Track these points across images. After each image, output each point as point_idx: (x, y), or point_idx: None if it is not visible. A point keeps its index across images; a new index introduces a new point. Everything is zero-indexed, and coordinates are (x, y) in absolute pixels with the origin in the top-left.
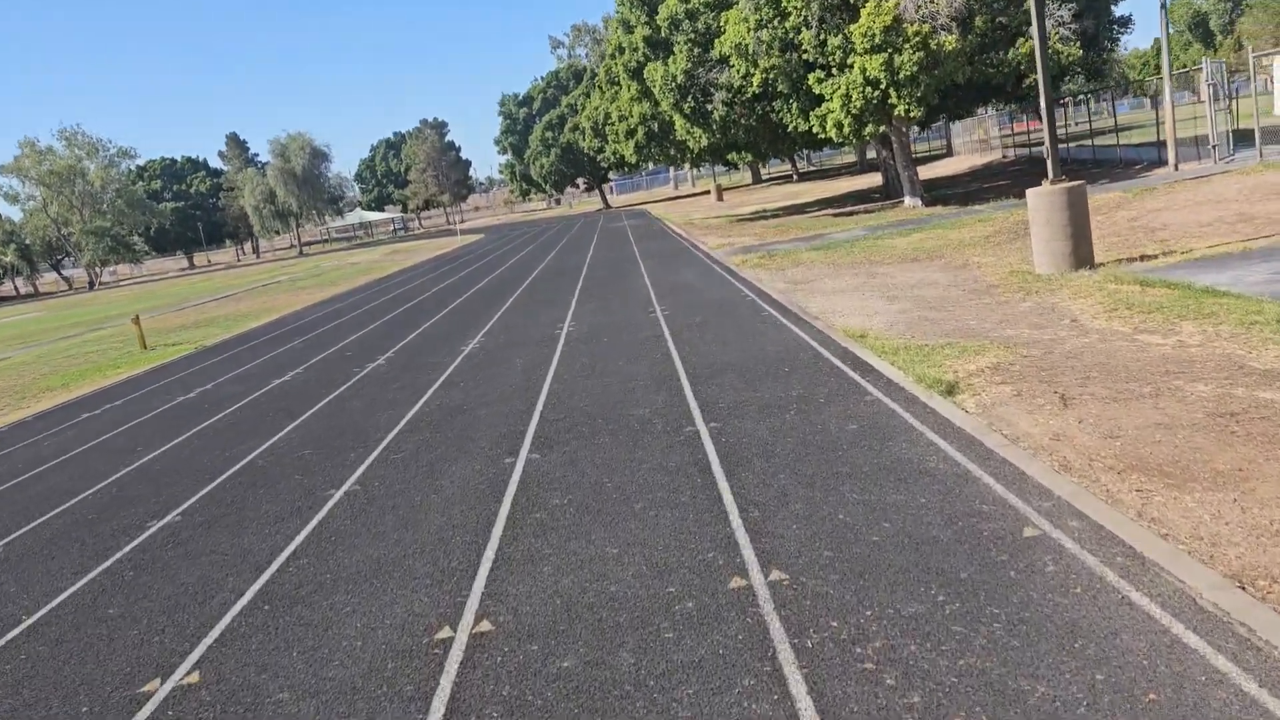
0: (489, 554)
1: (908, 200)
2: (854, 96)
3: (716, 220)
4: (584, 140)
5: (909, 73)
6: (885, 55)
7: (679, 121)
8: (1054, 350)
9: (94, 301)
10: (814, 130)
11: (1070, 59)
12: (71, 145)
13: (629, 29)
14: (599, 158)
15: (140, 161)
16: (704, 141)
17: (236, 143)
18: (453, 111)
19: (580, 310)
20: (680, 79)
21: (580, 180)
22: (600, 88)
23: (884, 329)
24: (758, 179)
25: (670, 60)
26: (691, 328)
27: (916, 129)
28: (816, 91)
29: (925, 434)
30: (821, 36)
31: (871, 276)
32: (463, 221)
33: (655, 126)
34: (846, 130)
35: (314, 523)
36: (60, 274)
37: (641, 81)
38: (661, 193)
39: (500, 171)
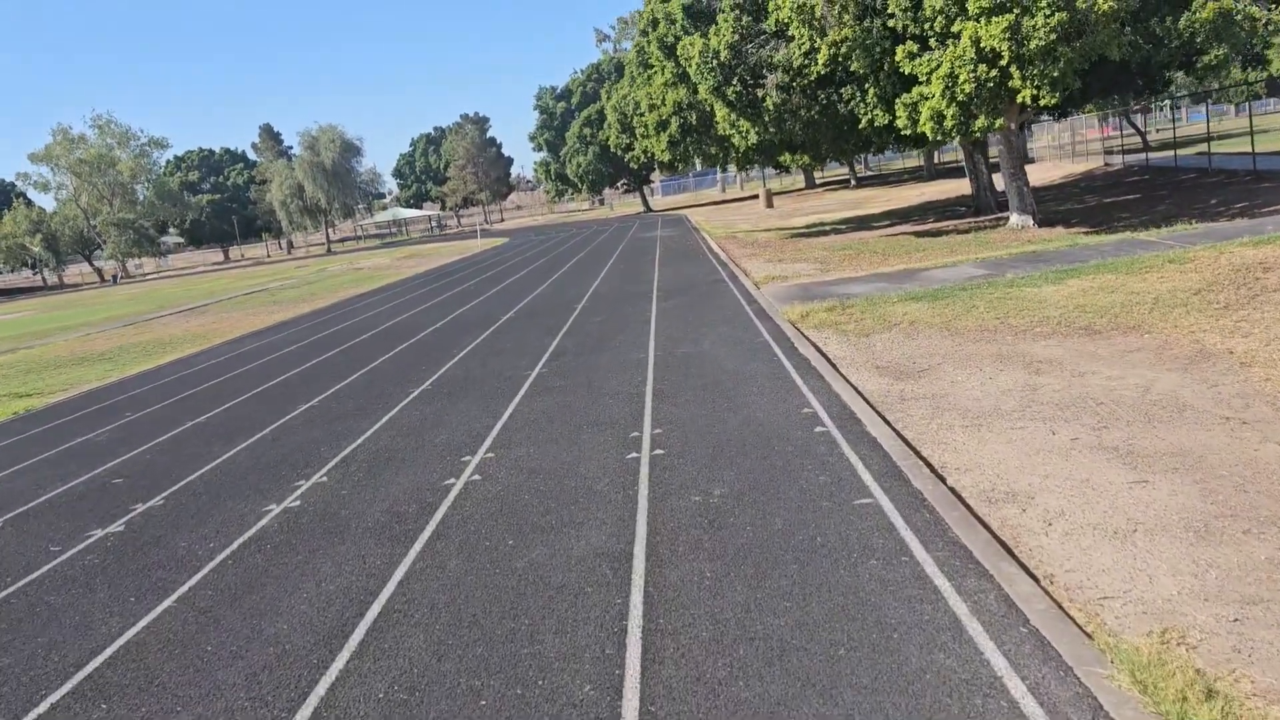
0: None
1: (1015, 218)
2: (961, 77)
3: (765, 234)
4: (610, 135)
5: (1043, 43)
6: (1011, 17)
7: (720, 111)
8: None
9: (95, 300)
10: (897, 125)
11: (1276, 27)
12: (103, 133)
13: None
14: (626, 157)
15: (178, 152)
16: (752, 137)
17: (270, 134)
18: (495, 107)
19: (515, 422)
20: (724, 55)
21: (621, 181)
22: (630, 72)
23: (1229, 645)
24: (811, 184)
25: (712, 32)
26: (697, 533)
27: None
28: (906, 71)
29: None
30: None
31: (1034, 370)
32: (501, 220)
33: (693, 118)
34: (949, 124)
35: None
36: (93, 265)
37: (678, 62)
38: (707, 195)
39: (535, 170)
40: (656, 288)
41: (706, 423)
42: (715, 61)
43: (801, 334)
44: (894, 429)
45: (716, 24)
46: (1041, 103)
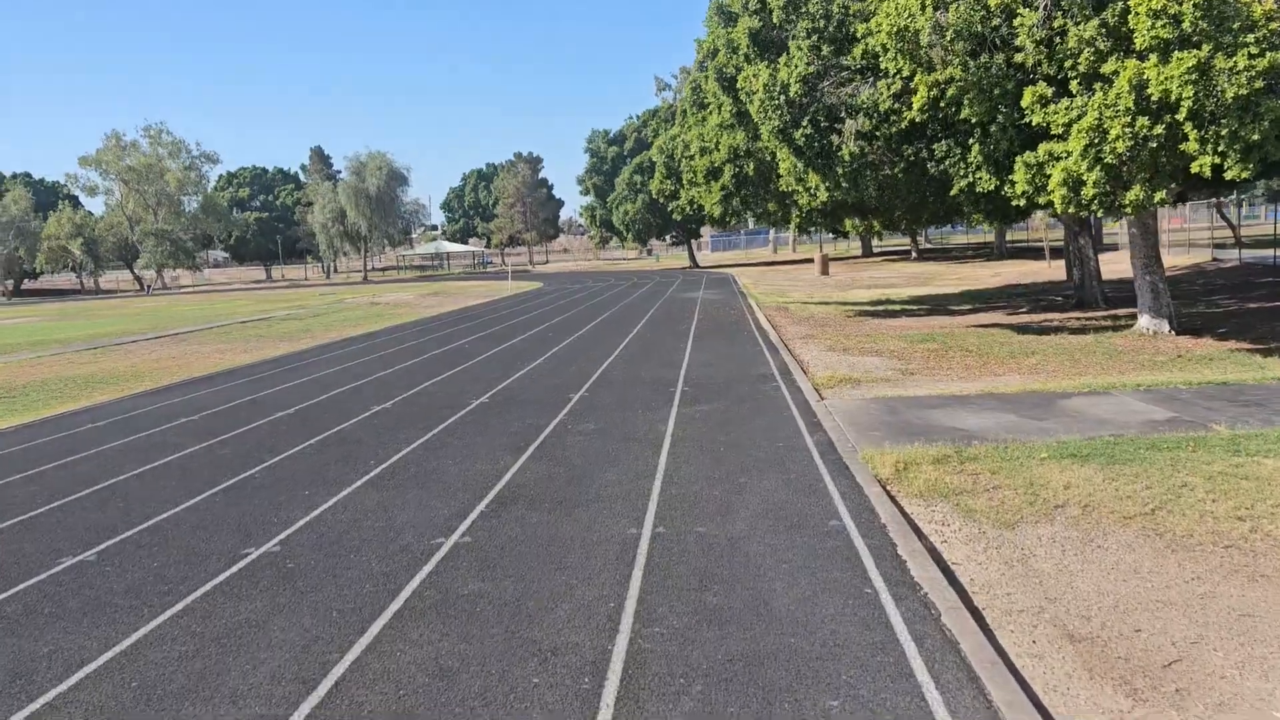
0: None
1: (1145, 320)
2: (1113, 133)
3: (822, 309)
4: (655, 182)
5: (1242, 91)
6: (1200, 54)
7: (785, 161)
8: None
9: (107, 311)
10: (1009, 192)
11: None
12: (155, 143)
13: (730, 19)
14: (670, 206)
15: (231, 168)
16: (822, 194)
17: (320, 157)
18: (550, 148)
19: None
20: (795, 90)
21: (670, 234)
22: (684, 110)
23: None
24: (868, 251)
25: (782, 63)
26: None
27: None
28: (1035, 121)
29: None
30: (1057, 22)
31: None
32: (546, 262)
33: (750, 168)
34: (1089, 192)
35: None
36: (134, 273)
37: (738, 99)
38: (758, 255)
39: (580, 214)
40: (683, 380)
41: None
42: (783, 98)
43: (904, 515)
44: None
45: (788, 53)
46: (1227, 175)
